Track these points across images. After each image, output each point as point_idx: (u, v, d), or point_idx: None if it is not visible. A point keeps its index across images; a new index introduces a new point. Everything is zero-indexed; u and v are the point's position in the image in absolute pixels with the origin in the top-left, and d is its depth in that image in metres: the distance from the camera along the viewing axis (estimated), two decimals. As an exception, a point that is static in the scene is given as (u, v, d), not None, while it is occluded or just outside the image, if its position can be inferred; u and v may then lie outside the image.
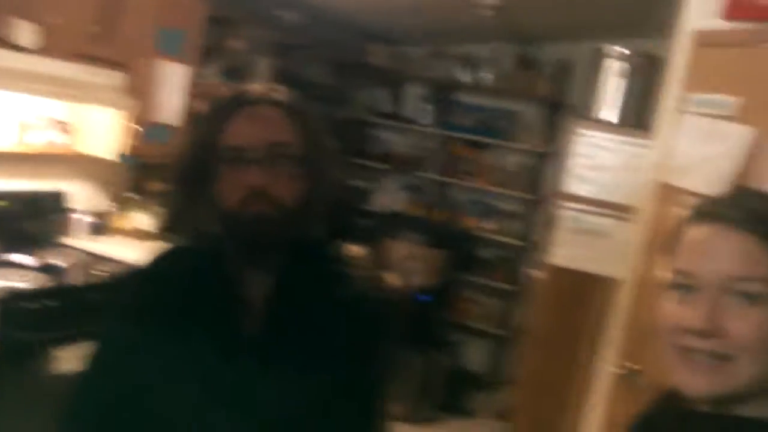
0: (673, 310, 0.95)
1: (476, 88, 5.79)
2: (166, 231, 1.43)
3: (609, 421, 2.75)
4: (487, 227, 5.77)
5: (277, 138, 1.24)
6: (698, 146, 2.39)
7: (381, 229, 5.53)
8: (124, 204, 4.04)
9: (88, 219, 3.83)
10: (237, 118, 1.25)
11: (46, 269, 3.15)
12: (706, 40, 2.50)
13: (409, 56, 5.96)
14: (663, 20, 2.73)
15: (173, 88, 3.75)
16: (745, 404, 0.93)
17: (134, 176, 4.08)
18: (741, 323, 0.89)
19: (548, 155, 5.57)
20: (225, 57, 4.39)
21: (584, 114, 4.08)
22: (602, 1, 4.26)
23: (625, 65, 3.87)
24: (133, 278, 1.40)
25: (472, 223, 5.82)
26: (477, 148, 5.86)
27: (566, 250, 3.72)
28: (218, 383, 1.24)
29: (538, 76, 5.54)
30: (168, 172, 1.39)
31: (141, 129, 3.58)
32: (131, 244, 3.80)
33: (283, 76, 5.07)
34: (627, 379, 2.54)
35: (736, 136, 2.24)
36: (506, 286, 5.68)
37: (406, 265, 5.12)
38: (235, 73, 4.44)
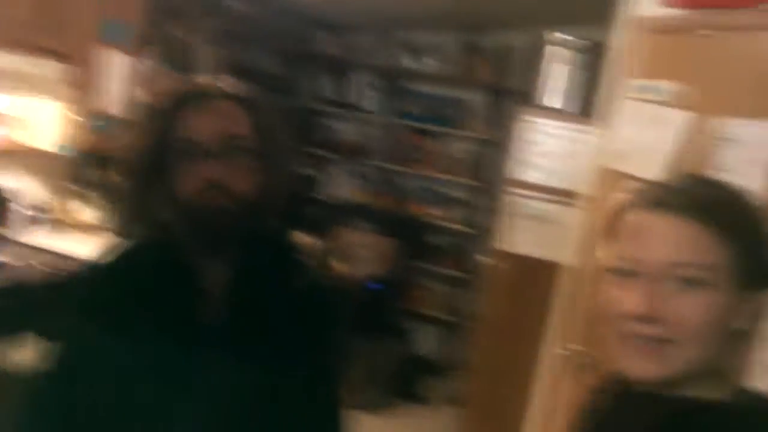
0: (616, 295, 0.96)
1: (423, 75, 5.80)
2: (123, 224, 1.42)
3: (555, 402, 2.80)
4: (435, 214, 5.81)
5: (232, 131, 1.26)
6: (641, 132, 2.43)
7: (330, 217, 5.53)
8: (67, 196, 3.96)
9: (30, 212, 3.74)
10: (192, 112, 1.26)
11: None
12: (647, 27, 2.54)
13: (356, 44, 5.94)
14: (606, 7, 2.77)
15: (117, 79, 3.68)
16: (688, 386, 0.95)
17: (77, 168, 4.00)
18: (681, 308, 0.91)
19: (494, 142, 5.62)
20: (170, 46, 4.32)
21: (530, 101, 4.13)
22: (546, -11, 4.30)
23: (569, 52, 3.92)
24: (91, 272, 1.39)
25: (420, 210, 5.85)
26: (424, 136, 5.88)
27: (515, 236, 3.77)
28: (178, 373, 1.24)
29: (484, 63, 5.57)
30: (123, 165, 1.38)
31: (84, 120, 3.50)
32: (75, 237, 3.73)
33: (229, 66, 5.01)
34: (573, 361, 2.58)
35: (677, 122, 2.29)
36: (457, 273, 5.72)
37: (356, 254, 5.12)
38: (180, 62, 4.38)
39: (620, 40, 2.67)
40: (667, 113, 2.34)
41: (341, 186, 6.13)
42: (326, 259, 4.92)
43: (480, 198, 5.76)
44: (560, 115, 3.78)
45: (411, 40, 5.77)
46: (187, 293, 1.29)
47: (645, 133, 2.41)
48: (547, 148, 3.70)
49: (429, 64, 5.72)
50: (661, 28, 2.49)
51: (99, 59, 3.57)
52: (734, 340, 0.95)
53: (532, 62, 4.31)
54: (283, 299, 1.34)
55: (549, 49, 3.98)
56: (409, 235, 5.60)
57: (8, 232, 3.59)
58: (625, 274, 0.96)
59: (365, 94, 6.09)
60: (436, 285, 5.86)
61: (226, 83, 1.32)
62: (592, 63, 3.82)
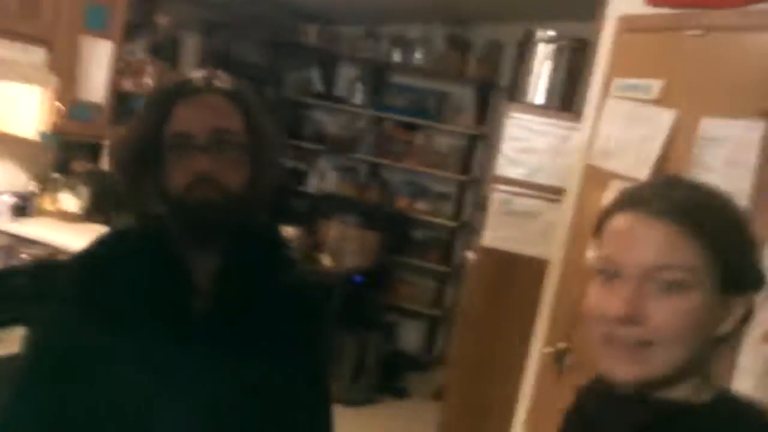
0: (598, 296, 0.96)
1: (408, 68, 5.79)
2: (110, 213, 1.46)
3: (538, 399, 2.81)
4: (419, 208, 5.81)
5: (222, 125, 1.27)
6: (624, 130, 2.44)
7: (314, 210, 5.52)
8: (46, 184, 3.92)
9: (10, 200, 3.70)
10: (183, 106, 1.28)
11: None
12: (630, 26, 2.54)
13: (342, 36, 5.92)
14: (590, 4, 2.77)
15: (98, 65, 3.64)
16: (668, 388, 0.95)
17: (57, 155, 3.96)
18: (662, 310, 0.91)
19: (480, 136, 5.62)
20: (152, 33, 4.28)
21: (515, 96, 4.13)
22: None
23: (554, 48, 3.92)
24: (78, 261, 1.39)
25: (404, 204, 5.85)
26: (409, 129, 5.88)
27: (498, 232, 3.77)
28: (164, 366, 1.25)
29: (470, 57, 5.57)
30: (115, 157, 1.40)
31: (64, 107, 3.47)
32: (55, 226, 3.69)
33: (212, 55, 4.98)
34: (556, 358, 2.58)
35: (660, 120, 2.29)
36: (439, 267, 5.73)
37: (339, 247, 5.12)
38: (163, 50, 4.35)
39: (605, 38, 2.67)
40: (651, 112, 2.34)
41: (326, 179, 6.12)
42: (310, 252, 4.91)
43: (465, 193, 5.77)
44: (545, 112, 3.78)
45: (398, 33, 5.76)
46: (175, 286, 1.30)
47: (629, 131, 2.41)
48: (532, 144, 3.70)
49: (416, 57, 5.71)
50: (646, 27, 2.49)
51: (82, 46, 3.53)
52: (718, 343, 0.95)
53: (519, 58, 4.30)
54: (271, 293, 1.36)
55: (535, 46, 3.98)
56: (393, 228, 5.60)
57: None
58: (607, 275, 0.96)
59: (351, 86, 6.07)
60: (420, 279, 5.87)
61: (218, 78, 1.34)
62: (578, 60, 3.82)
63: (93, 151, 4.05)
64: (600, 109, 2.60)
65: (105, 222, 3.86)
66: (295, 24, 5.77)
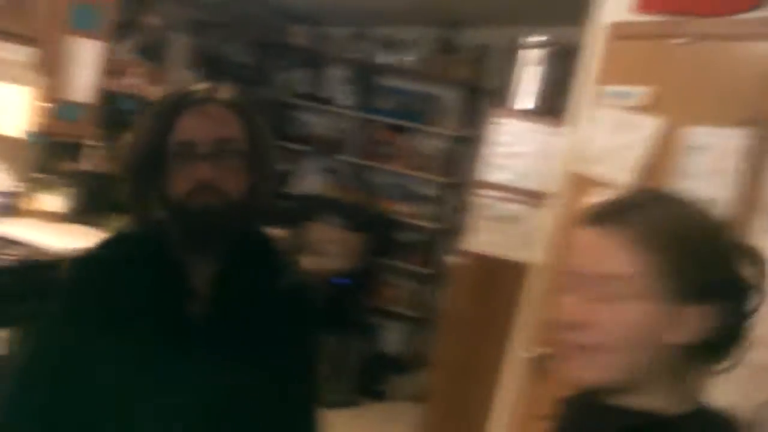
0: (558, 303, 1.01)
1: (397, 70, 5.79)
2: (103, 215, 1.51)
3: (520, 404, 2.82)
4: (405, 211, 5.81)
5: (224, 134, 1.33)
6: (610, 137, 2.45)
7: (300, 211, 5.51)
8: (31, 184, 3.90)
9: (-5, 199, 3.68)
10: (187, 116, 1.33)
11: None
12: (618, 33, 2.56)
13: (331, 37, 5.92)
14: (580, 9, 2.79)
15: (86, 65, 3.63)
16: (631, 395, 0.97)
17: (44, 155, 3.94)
18: (605, 317, 0.94)
19: (467, 140, 5.64)
20: (140, 34, 4.27)
21: (502, 100, 4.14)
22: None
23: (542, 53, 3.94)
24: (80, 262, 1.43)
25: (390, 206, 5.84)
26: (397, 132, 5.88)
27: (482, 237, 3.78)
28: (164, 367, 1.29)
29: (459, 60, 5.58)
30: (120, 164, 1.46)
31: (51, 106, 3.45)
32: (39, 226, 3.67)
33: (200, 55, 4.97)
34: (537, 363, 2.60)
35: (647, 127, 2.31)
36: (424, 270, 5.73)
37: (324, 248, 5.12)
38: (151, 50, 4.33)
39: (593, 44, 2.69)
40: (636, 119, 2.36)
41: (311, 180, 6.12)
42: (295, 254, 4.90)
43: (450, 196, 5.78)
44: (530, 117, 3.79)
45: (386, 35, 5.76)
46: (174, 289, 1.34)
47: (614, 138, 2.43)
48: (516, 149, 3.71)
49: (404, 59, 5.71)
50: (633, 34, 2.51)
51: (68, 45, 3.52)
52: (686, 353, 0.95)
53: (506, 62, 4.32)
54: (267, 298, 1.42)
55: (522, 50, 3.99)
56: (377, 230, 5.60)
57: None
58: (565, 284, 1.00)
59: (338, 88, 6.07)
60: (403, 281, 5.87)
61: (220, 90, 1.39)
62: (565, 66, 3.83)
63: (79, 151, 4.03)
64: (586, 115, 2.62)
65: (90, 223, 3.84)
66: (283, 25, 5.76)
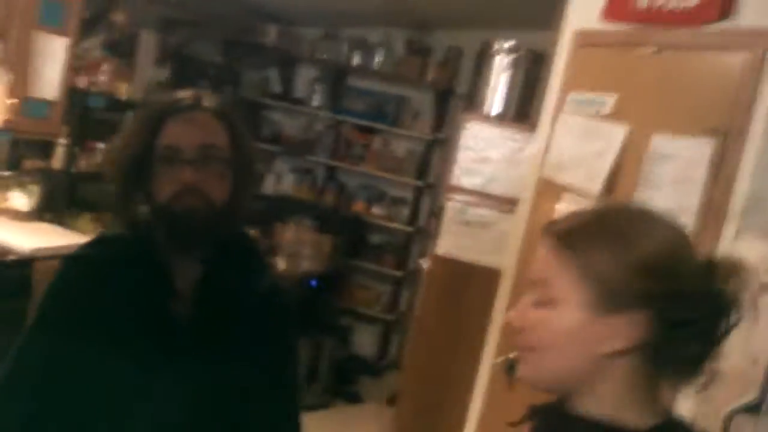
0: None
1: (368, 72, 5.79)
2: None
3: (490, 407, 2.83)
4: (376, 213, 5.81)
5: (208, 140, 1.38)
6: (577, 143, 2.47)
7: (270, 212, 5.48)
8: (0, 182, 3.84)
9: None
10: (173, 122, 1.38)
11: None
12: (585, 40, 2.58)
13: (302, 37, 5.90)
14: (551, 15, 2.80)
15: (52, 62, 3.59)
16: (576, 399, 1.00)
17: (10, 153, 3.88)
18: (534, 322, 0.99)
19: (437, 142, 5.65)
20: (108, 30, 4.22)
21: (472, 104, 4.15)
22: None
23: (511, 58, 3.95)
24: (67, 263, 1.46)
25: (361, 208, 5.84)
26: (367, 133, 5.87)
27: (452, 241, 3.79)
28: (149, 367, 1.33)
29: (429, 62, 5.59)
30: (108, 168, 1.51)
31: (18, 103, 3.41)
32: (4, 224, 3.62)
33: (169, 53, 4.93)
34: (507, 368, 2.61)
35: (613, 134, 2.33)
36: (395, 272, 5.74)
37: (295, 250, 5.10)
38: (119, 47, 4.29)
39: (561, 51, 2.70)
40: (604, 127, 2.38)
41: (282, 181, 6.09)
42: (266, 255, 4.88)
43: (422, 198, 5.79)
44: (499, 122, 3.81)
45: (358, 36, 5.75)
46: (158, 290, 1.38)
47: (582, 145, 2.45)
48: (488, 154, 3.72)
49: (376, 61, 5.71)
50: (599, 42, 2.53)
51: (36, 42, 3.47)
52: (640, 362, 0.96)
53: (477, 65, 4.33)
54: (248, 299, 1.46)
55: (493, 55, 4.01)
56: (349, 232, 5.59)
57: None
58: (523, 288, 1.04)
59: (310, 88, 6.05)
60: (374, 283, 5.87)
61: (205, 98, 1.44)
62: (535, 71, 3.86)
63: (47, 149, 3.98)
64: (555, 122, 2.64)
65: (57, 221, 3.79)
66: (254, 24, 5.73)
